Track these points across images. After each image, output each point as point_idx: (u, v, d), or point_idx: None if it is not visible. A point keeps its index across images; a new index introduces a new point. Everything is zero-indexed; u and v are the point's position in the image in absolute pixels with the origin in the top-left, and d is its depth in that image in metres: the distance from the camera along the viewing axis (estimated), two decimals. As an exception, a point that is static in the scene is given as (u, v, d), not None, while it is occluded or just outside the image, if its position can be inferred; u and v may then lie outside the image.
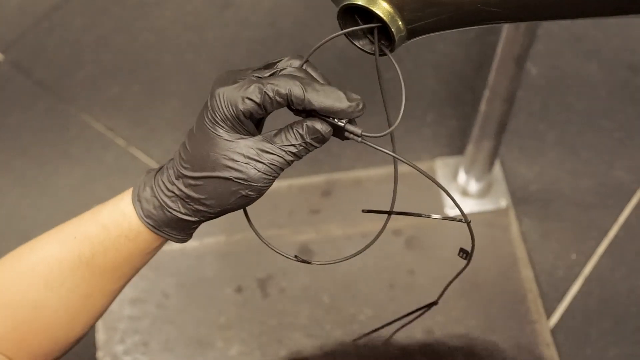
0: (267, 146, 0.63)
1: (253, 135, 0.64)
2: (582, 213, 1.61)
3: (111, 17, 1.85)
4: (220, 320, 1.49)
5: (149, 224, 0.68)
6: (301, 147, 0.63)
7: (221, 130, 0.63)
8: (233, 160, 0.63)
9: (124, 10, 1.85)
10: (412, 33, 0.62)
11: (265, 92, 0.61)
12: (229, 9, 1.86)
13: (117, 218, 0.69)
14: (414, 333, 1.48)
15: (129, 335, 1.48)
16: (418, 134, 1.70)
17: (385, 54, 0.65)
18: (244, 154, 0.62)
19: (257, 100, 0.61)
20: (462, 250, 0.69)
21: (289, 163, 0.64)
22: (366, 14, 0.63)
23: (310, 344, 1.48)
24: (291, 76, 0.63)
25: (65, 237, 0.71)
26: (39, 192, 1.63)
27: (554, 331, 1.49)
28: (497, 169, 1.63)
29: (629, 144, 1.68)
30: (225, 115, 0.62)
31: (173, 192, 0.66)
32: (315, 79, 0.66)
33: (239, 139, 0.63)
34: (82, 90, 1.75)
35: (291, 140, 0.63)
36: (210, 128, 0.63)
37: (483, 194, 1.60)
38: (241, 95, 0.61)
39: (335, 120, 0.63)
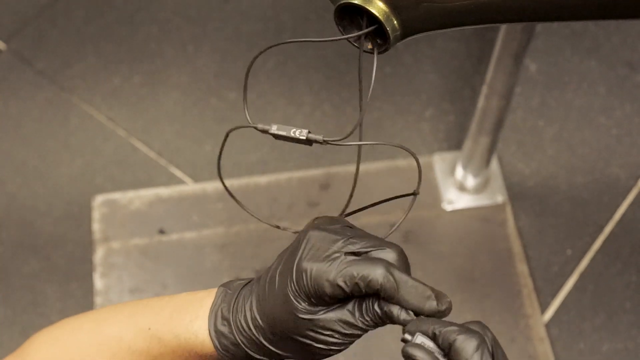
0: (351, 319, 0.62)
1: (333, 304, 0.62)
2: (578, 209, 1.62)
3: (113, 8, 1.86)
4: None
5: (227, 356, 0.67)
6: (380, 322, 0.62)
7: (304, 304, 0.61)
8: (315, 332, 0.61)
9: (126, 1, 1.86)
10: (406, 32, 0.63)
11: (356, 282, 0.60)
12: (231, 1, 1.87)
13: (190, 337, 0.68)
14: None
15: (127, 324, 1.49)
16: (416, 129, 1.71)
17: (383, 52, 0.66)
18: (326, 327, 0.61)
19: (347, 289, 0.60)
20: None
21: (367, 330, 0.63)
22: (362, 12, 0.64)
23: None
24: (385, 268, 0.60)
25: (140, 325, 0.70)
26: (39, 182, 1.65)
27: (548, 326, 1.51)
28: (495, 164, 1.64)
29: (626, 141, 1.69)
30: (310, 294, 0.61)
31: (252, 340, 0.65)
32: (407, 271, 0.64)
33: (322, 312, 0.61)
34: (83, 80, 1.77)
35: (371, 318, 0.61)
36: (293, 299, 0.61)
37: (480, 189, 1.61)
38: (330, 280, 0.60)
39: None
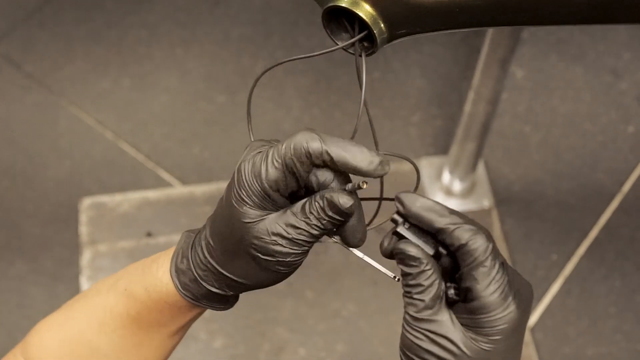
0: (293, 220, 0.59)
1: (277, 206, 0.60)
2: (563, 214, 1.64)
3: (102, 11, 1.86)
4: (204, 313, 1.51)
5: (187, 296, 0.66)
6: (325, 222, 0.59)
7: (246, 207, 0.59)
8: (258, 238, 0.59)
9: (115, 4, 1.87)
10: (393, 35, 0.64)
11: (285, 155, 0.58)
12: (220, 5, 1.87)
13: (156, 285, 0.68)
14: (396, 327, 1.50)
15: (114, 326, 1.49)
16: (404, 133, 1.72)
17: (369, 55, 0.67)
18: (268, 230, 0.59)
19: (279, 166, 0.58)
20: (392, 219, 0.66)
21: (317, 237, 0.60)
22: (349, 15, 0.65)
23: (294, 338, 1.50)
24: (307, 130, 0.59)
25: (119, 288, 0.71)
26: (27, 184, 1.65)
27: (533, 330, 1.52)
28: (481, 169, 1.65)
29: (611, 147, 1.71)
30: (251, 190, 0.59)
31: (207, 267, 0.63)
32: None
33: (265, 215, 0.59)
34: (72, 83, 1.77)
35: (314, 214, 0.58)
36: (236, 205, 0.59)
37: (466, 194, 1.62)
38: (264, 165, 0.58)
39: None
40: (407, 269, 0.58)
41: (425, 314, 0.57)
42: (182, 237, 0.67)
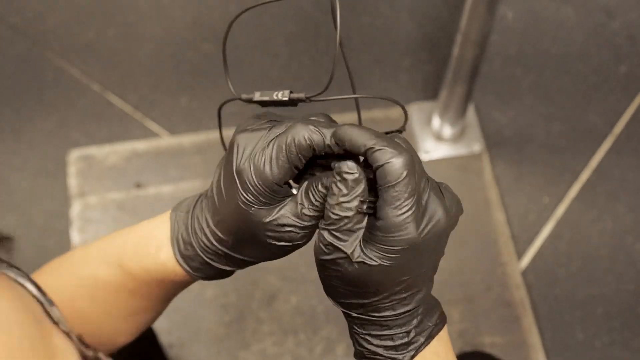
0: (302, 210, 0.60)
1: (287, 195, 0.61)
2: (555, 157, 1.63)
3: (85, -40, 1.83)
4: (196, 263, 1.51)
5: (198, 277, 0.68)
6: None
7: (255, 208, 0.60)
8: (273, 230, 0.61)
9: (98, -47, 1.83)
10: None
11: (289, 152, 0.59)
12: (205, -48, 1.84)
13: (161, 270, 0.68)
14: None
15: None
16: (394, 79, 1.70)
17: None
18: (282, 223, 0.60)
19: (285, 164, 0.59)
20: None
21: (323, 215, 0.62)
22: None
23: (285, 286, 1.50)
24: (304, 123, 0.59)
25: (110, 263, 0.70)
26: (14, 137, 1.63)
27: (524, 273, 1.52)
28: (472, 113, 1.64)
29: (602, 88, 1.69)
30: (258, 192, 0.60)
31: (217, 253, 0.65)
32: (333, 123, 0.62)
33: (275, 212, 0.61)
34: (56, 35, 1.74)
35: (319, 199, 0.60)
36: (244, 207, 0.60)
37: (457, 138, 1.61)
38: (268, 166, 0.59)
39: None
40: (343, 174, 0.59)
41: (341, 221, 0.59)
42: (173, 220, 0.68)
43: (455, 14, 1.76)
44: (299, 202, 0.61)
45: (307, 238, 0.62)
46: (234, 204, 0.61)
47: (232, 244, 0.64)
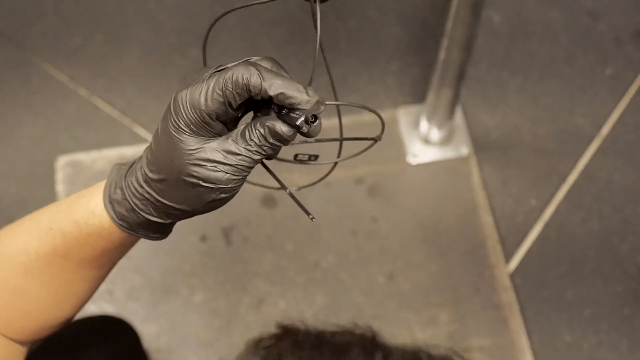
0: (233, 147, 0.61)
1: (220, 135, 0.62)
2: (542, 159, 1.63)
3: (72, -35, 1.82)
4: (185, 268, 1.51)
5: (123, 226, 0.66)
6: (266, 147, 0.61)
7: (185, 136, 0.60)
8: (199, 165, 0.61)
9: (85, -42, 1.83)
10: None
11: (225, 87, 0.59)
12: (192, -44, 1.84)
13: (88, 217, 0.67)
14: (376, 277, 1.51)
15: (94, 284, 1.49)
16: (382, 82, 1.71)
17: (324, 1, 0.65)
18: (209, 158, 0.60)
19: (220, 98, 0.60)
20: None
21: (258, 161, 0.62)
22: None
23: (274, 291, 1.50)
24: (247, 64, 0.61)
25: (41, 228, 0.70)
26: (1, 144, 1.63)
27: (512, 276, 1.53)
28: (459, 116, 1.64)
29: (589, 91, 1.70)
30: (189, 119, 0.60)
31: (143, 196, 0.64)
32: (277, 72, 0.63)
33: (204, 142, 0.61)
34: (43, 40, 1.74)
35: (255, 140, 0.61)
36: (174, 134, 0.60)
37: (445, 141, 1.62)
38: (203, 96, 0.60)
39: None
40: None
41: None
42: (113, 169, 0.67)
43: (442, 18, 1.76)
44: (232, 138, 0.61)
45: (233, 186, 0.62)
46: (166, 133, 0.61)
47: (158, 181, 0.63)
